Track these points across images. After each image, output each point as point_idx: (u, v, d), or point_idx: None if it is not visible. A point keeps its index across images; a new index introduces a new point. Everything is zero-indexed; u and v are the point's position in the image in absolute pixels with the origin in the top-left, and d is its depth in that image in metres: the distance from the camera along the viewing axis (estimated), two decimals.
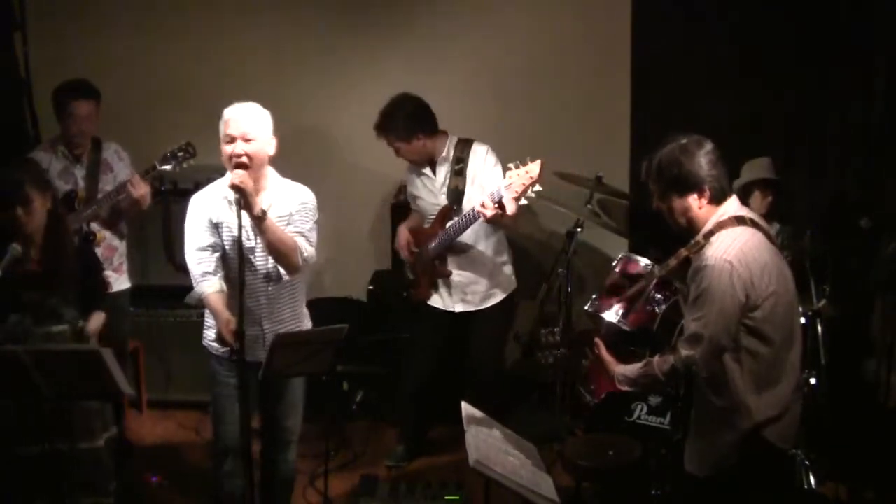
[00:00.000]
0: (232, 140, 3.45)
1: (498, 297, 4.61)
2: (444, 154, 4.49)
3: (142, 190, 4.37)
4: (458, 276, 4.55)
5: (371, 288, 5.23)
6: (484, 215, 4.16)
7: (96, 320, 3.81)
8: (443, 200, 4.51)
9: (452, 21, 5.31)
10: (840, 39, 4.85)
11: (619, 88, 5.19)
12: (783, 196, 4.48)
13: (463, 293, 4.57)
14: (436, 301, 4.63)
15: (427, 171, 4.53)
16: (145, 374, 5.29)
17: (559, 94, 5.28)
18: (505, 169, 4.09)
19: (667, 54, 5.06)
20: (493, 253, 4.57)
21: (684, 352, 2.96)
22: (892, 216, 4.70)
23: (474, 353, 4.67)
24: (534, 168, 3.98)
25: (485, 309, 4.60)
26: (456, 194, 4.47)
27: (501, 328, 4.76)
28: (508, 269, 4.67)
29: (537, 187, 4.01)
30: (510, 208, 4.08)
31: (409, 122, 4.40)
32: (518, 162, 4.04)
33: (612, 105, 5.23)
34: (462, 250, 4.50)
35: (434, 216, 4.55)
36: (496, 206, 4.11)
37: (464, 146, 4.50)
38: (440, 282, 4.59)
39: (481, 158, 4.47)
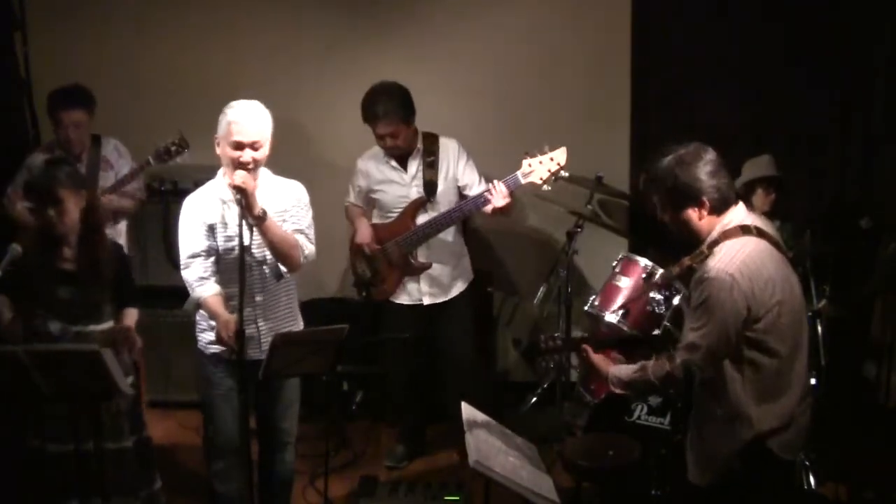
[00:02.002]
0: (240, 147, 3.45)
1: (461, 287, 4.62)
2: (418, 147, 4.49)
3: (114, 204, 4.40)
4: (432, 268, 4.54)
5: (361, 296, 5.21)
6: (494, 205, 4.21)
7: (131, 316, 3.80)
8: (414, 193, 4.48)
9: (451, 21, 5.31)
10: (840, 39, 4.86)
11: (619, 88, 5.19)
12: (785, 193, 4.48)
13: (432, 285, 4.54)
14: (402, 298, 4.58)
15: (394, 163, 4.50)
16: (145, 374, 5.29)
17: (559, 95, 5.28)
18: (521, 158, 4.19)
19: (667, 54, 5.07)
20: (457, 244, 4.60)
21: (680, 359, 2.93)
22: (892, 216, 4.70)
23: (451, 346, 4.64)
24: (559, 155, 4.17)
25: (450, 300, 4.59)
26: (431, 187, 4.46)
27: (470, 318, 4.73)
28: (467, 260, 4.70)
29: (563, 173, 4.18)
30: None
31: (409, 107, 4.41)
32: (535, 150, 4.11)
33: (612, 105, 5.22)
34: (434, 241, 4.49)
35: (399, 210, 4.50)
36: (508, 194, 4.19)
37: (432, 140, 4.51)
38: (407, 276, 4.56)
39: (454, 154, 4.50)
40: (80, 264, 3.63)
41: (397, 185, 4.51)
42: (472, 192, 4.45)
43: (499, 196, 4.20)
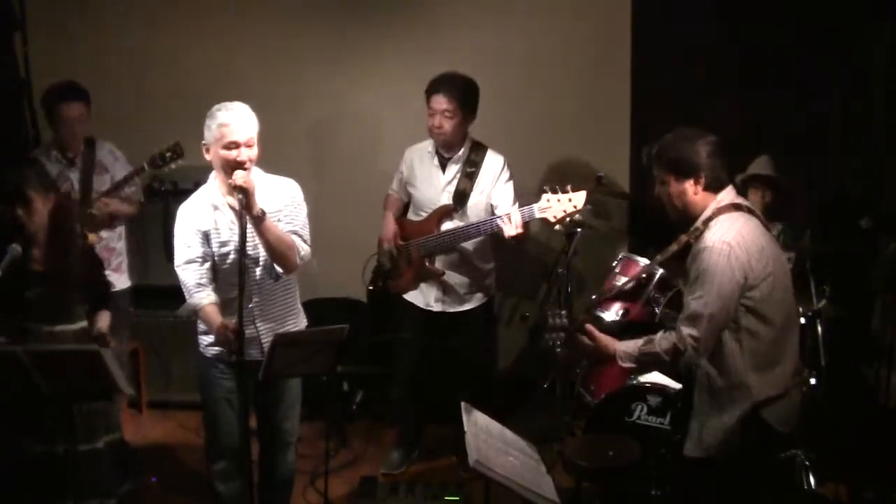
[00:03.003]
0: (236, 146, 3.45)
1: (476, 302, 4.57)
2: (460, 153, 4.45)
3: (111, 208, 4.38)
4: (446, 276, 4.50)
5: (371, 288, 5.22)
6: (507, 233, 4.14)
7: (104, 319, 3.81)
8: (444, 199, 4.46)
9: (452, 21, 5.30)
10: (840, 39, 4.86)
11: (619, 88, 5.19)
12: (783, 195, 4.47)
13: (445, 293, 4.51)
14: (415, 297, 4.56)
15: (436, 162, 4.48)
16: (145, 374, 5.29)
17: (559, 95, 5.28)
18: (541, 191, 4.14)
19: (667, 54, 5.06)
20: (480, 258, 4.54)
21: (685, 330, 3.03)
22: (892, 216, 4.70)
23: (458, 357, 4.63)
24: (578, 199, 4.09)
25: (463, 312, 4.55)
26: (461, 197, 4.42)
27: (482, 332, 4.69)
28: (492, 277, 4.65)
29: (578, 217, 4.14)
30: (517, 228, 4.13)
31: (471, 98, 4.39)
32: (557, 187, 4.09)
33: (613, 105, 5.22)
34: (454, 251, 4.46)
35: (429, 210, 4.48)
36: (521, 224, 4.13)
37: (478, 150, 4.46)
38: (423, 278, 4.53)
39: (496, 170, 4.43)
40: (50, 265, 3.64)
41: (430, 185, 4.48)
42: (499, 212, 4.37)
43: (511, 225, 4.14)
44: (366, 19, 5.32)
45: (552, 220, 4.13)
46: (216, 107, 3.51)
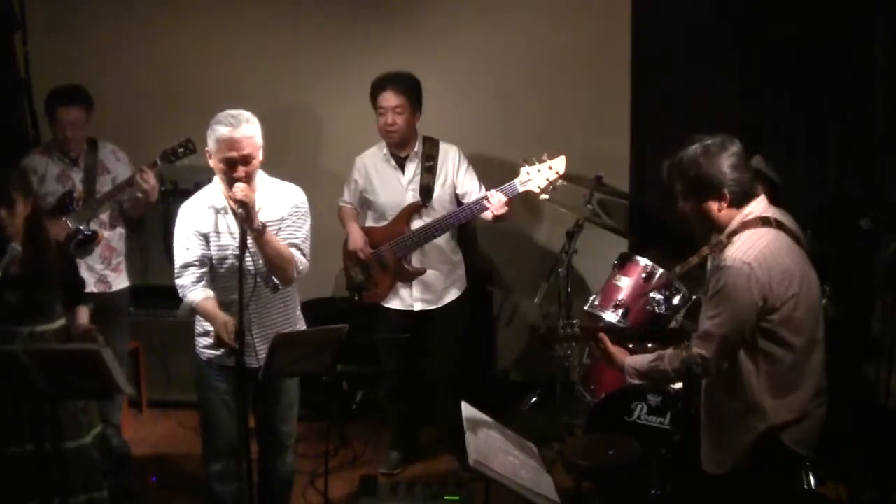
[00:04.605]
0: (231, 161, 3.39)
1: (454, 295, 4.57)
2: (415, 149, 4.45)
3: (152, 181, 4.38)
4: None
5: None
6: (493, 212, 4.18)
7: (83, 314, 3.81)
8: (410, 197, 4.44)
9: (452, 21, 5.31)
10: (840, 39, 4.86)
11: (619, 88, 5.19)
12: (779, 192, 4.47)
13: (424, 291, 4.50)
14: (393, 303, 4.53)
15: (393, 162, 4.47)
16: (145, 374, 5.29)
17: (559, 94, 5.28)
18: (518, 166, 4.17)
19: (667, 54, 5.07)
20: (451, 251, 4.55)
21: (695, 350, 2.94)
22: (892, 216, 4.70)
23: (441, 353, 4.61)
24: (558, 164, 4.15)
25: (442, 308, 4.54)
26: (427, 192, 4.42)
27: (462, 326, 4.68)
28: (462, 268, 4.64)
29: (561, 182, 4.14)
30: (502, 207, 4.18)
31: (417, 94, 4.40)
32: (533, 158, 4.09)
33: (612, 105, 5.23)
34: (428, 247, 4.45)
35: (394, 213, 4.46)
36: (506, 202, 4.15)
37: (432, 144, 4.47)
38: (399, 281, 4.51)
39: (454, 160, 4.45)
40: (27, 267, 3.62)
41: (393, 187, 4.46)
42: (470, 199, 4.40)
43: (497, 205, 4.17)
44: (366, 22, 5.33)
45: (537, 190, 4.17)
46: (219, 116, 3.42)
